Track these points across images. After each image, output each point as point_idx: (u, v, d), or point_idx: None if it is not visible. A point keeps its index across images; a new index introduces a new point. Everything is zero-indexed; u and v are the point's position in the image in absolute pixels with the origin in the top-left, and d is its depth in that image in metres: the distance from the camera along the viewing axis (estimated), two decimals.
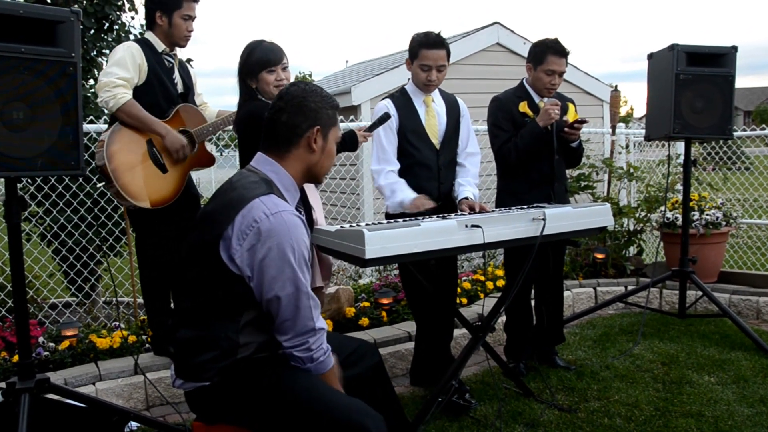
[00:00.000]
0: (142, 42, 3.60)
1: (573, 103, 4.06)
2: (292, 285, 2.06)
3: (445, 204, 3.52)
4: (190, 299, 2.17)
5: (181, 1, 3.59)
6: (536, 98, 3.87)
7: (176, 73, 3.71)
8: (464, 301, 4.85)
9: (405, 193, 3.37)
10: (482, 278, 5.17)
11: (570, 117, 3.91)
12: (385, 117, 3.37)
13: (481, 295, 5.00)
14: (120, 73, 3.41)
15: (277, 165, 2.25)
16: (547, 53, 3.77)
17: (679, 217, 5.19)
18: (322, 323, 2.16)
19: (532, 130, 3.72)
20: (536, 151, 3.78)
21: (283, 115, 2.23)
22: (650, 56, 4.57)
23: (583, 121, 3.78)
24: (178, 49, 3.74)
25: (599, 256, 5.74)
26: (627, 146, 7.09)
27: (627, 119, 12.93)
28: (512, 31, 7.35)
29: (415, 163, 3.52)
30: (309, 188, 3.43)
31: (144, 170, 3.44)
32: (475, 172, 3.71)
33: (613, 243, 5.90)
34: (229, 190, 2.19)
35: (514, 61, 7.13)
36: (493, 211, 3.37)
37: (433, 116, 3.59)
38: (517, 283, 3.20)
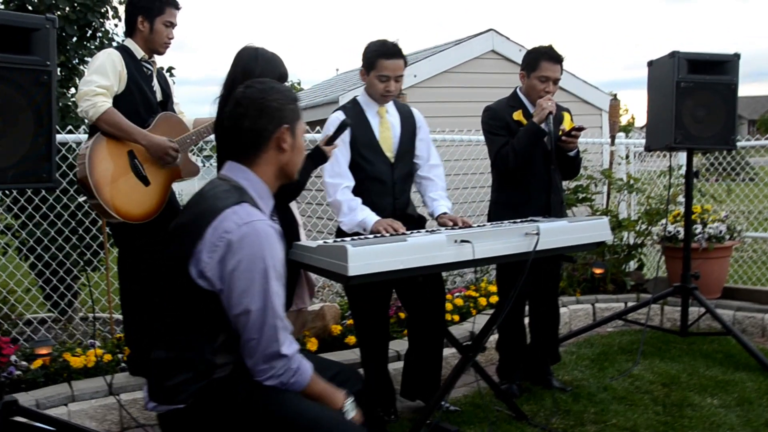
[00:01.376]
0: (122, 49, 3.52)
1: (569, 112, 3.93)
2: (261, 300, 1.95)
3: (400, 220, 3.23)
4: (164, 318, 2.08)
5: (163, 6, 3.52)
6: (531, 108, 3.74)
7: (155, 81, 3.63)
8: (456, 318, 4.67)
9: (365, 213, 3.21)
10: (475, 294, 4.99)
11: (566, 126, 3.78)
12: (344, 125, 3.22)
13: (474, 312, 4.82)
14: (100, 81, 3.32)
15: (248, 171, 2.13)
16: (540, 59, 3.67)
17: (681, 230, 5.02)
18: (291, 348, 2.03)
19: (529, 128, 3.59)
20: (533, 154, 3.64)
21: (245, 120, 2.11)
22: (650, 63, 4.43)
23: (580, 129, 3.65)
24: (156, 56, 3.65)
25: (598, 271, 5.57)
26: (627, 156, 6.93)
27: (628, 128, 12.80)
28: (507, 38, 7.22)
29: (367, 177, 3.36)
30: (291, 204, 3.31)
31: (126, 183, 3.33)
32: (443, 184, 3.58)
33: (613, 257, 5.73)
34: (200, 201, 2.10)
35: (510, 69, 6.97)
36: (483, 225, 3.23)
37: (387, 128, 3.44)
38: (510, 300, 3.06)
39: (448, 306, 4.71)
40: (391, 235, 3.01)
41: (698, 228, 5.30)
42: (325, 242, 2.85)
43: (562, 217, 3.69)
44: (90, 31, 5.42)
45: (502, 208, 3.78)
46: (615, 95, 6.55)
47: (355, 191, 3.31)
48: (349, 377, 2.44)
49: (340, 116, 3.35)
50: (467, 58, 7.03)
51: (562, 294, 5.43)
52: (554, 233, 3.03)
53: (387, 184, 3.39)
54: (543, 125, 3.55)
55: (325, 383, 2.14)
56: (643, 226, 5.76)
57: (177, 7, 3.58)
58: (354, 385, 2.41)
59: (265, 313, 1.96)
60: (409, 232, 3.06)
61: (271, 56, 3.06)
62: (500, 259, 2.93)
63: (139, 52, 3.53)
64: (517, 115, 3.73)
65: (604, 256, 5.74)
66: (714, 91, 4.17)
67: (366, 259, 2.54)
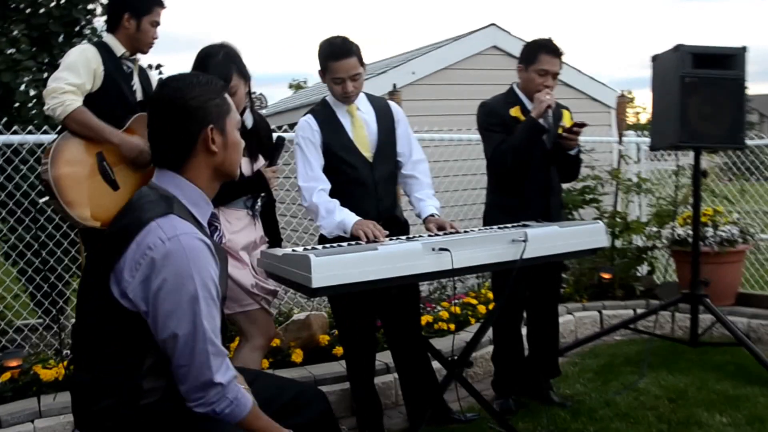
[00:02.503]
0: (100, 45, 3.33)
1: (569, 110, 3.74)
2: (190, 323, 1.77)
3: (387, 224, 3.04)
4: (85, 338, 1.89)
5: (151, 6, 3.34)
6: (528, 104, 3.54)
7: (135, 80, 3.43)
8: (452, 327, 4.43)
9: (344, 214, 2.99)
10: (474, 302, 4.76)
11: (566, 124, 3.60)
12: (280, 142, 3.09)
13: (472, 321, 4.59)
14: (70, 78, 3.13)
15: (179, 178, 1.92)
16: (539, 52, 3.51)
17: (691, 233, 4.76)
18: (226, 375, 1.84)
19: (527, 123, 3.40)
20: (531, 153, 3.44)
21: (165, 125, 1.90)
22: (654, 58, 4.18)
23: (581, 125, 3.44)
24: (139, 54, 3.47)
25: (605, 275, 5.32)
26: (638, 155, 6.65)
27: (647, 127, 12.45)
28: (509, 33, 7.00)
29: (347, 180, 3.14)
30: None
31: (91, 186, 3.13)
32: (429, 181, 3.36)
33: (621, 261, 5.48)
34: (127, 212, 1.90)
35: (512, 65, 6.66)
36: (467, 230, 3.02)
37: (360, 126, 3.20)
38: (495, 312, 2.86)
39: (444, 315, 4.49)
40: (368, 241, 2.81)
41: (709, 231, 5.03)
42: (295, 250, 2.68)
43: (560, 221, 3.47)
44: (77, 29, 5.27)
45: (498, 212, 3.58)
46: (623, 92, 6.28)
47: (337, 196, 3.10)
48: (312, 398, 2.25)
49: (309, 120, 3.17)
50: (468, 54, 6.80)
51: (568, 300, 5.23)
52: (544, 240, 2.82)
53: (368, 186, 3.17)
54: (541, 120, 3.35)
55: (268, 421, 1.93)
56: (654, 229, 5.51)
57: (163, 6, 3.43)
58: (318, 406, 2.24)
59: (195, 337, 1.77)
60: (389, 238, 2.86)
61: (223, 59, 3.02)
62: (483, 269, 2.73)
63: (120, 49, 3.34)
64: (514, 112, 3.54)
65: (612, 260, 5.49)
66: (721, 87, 3.91)
67: (331, 270, 2.37)
